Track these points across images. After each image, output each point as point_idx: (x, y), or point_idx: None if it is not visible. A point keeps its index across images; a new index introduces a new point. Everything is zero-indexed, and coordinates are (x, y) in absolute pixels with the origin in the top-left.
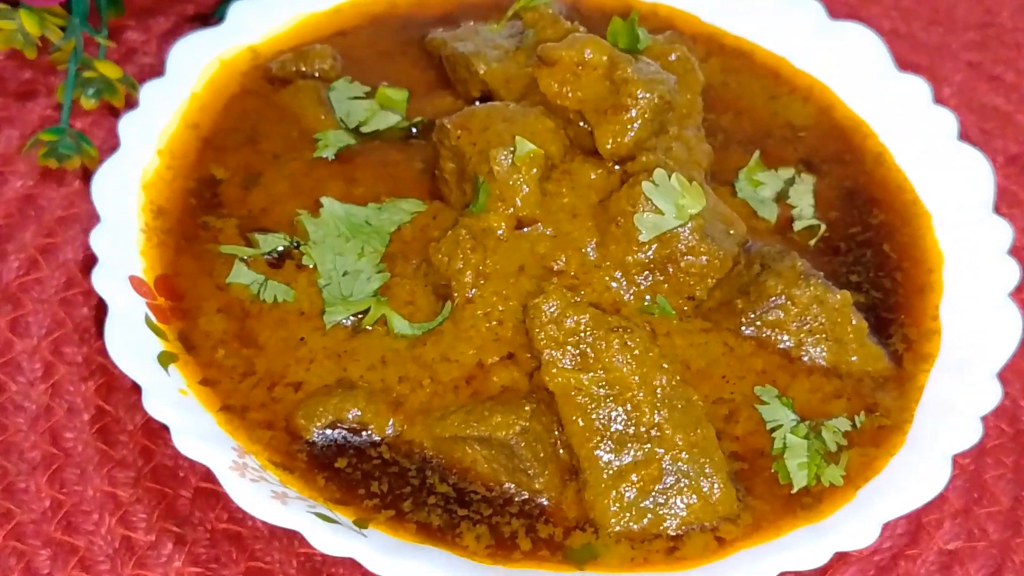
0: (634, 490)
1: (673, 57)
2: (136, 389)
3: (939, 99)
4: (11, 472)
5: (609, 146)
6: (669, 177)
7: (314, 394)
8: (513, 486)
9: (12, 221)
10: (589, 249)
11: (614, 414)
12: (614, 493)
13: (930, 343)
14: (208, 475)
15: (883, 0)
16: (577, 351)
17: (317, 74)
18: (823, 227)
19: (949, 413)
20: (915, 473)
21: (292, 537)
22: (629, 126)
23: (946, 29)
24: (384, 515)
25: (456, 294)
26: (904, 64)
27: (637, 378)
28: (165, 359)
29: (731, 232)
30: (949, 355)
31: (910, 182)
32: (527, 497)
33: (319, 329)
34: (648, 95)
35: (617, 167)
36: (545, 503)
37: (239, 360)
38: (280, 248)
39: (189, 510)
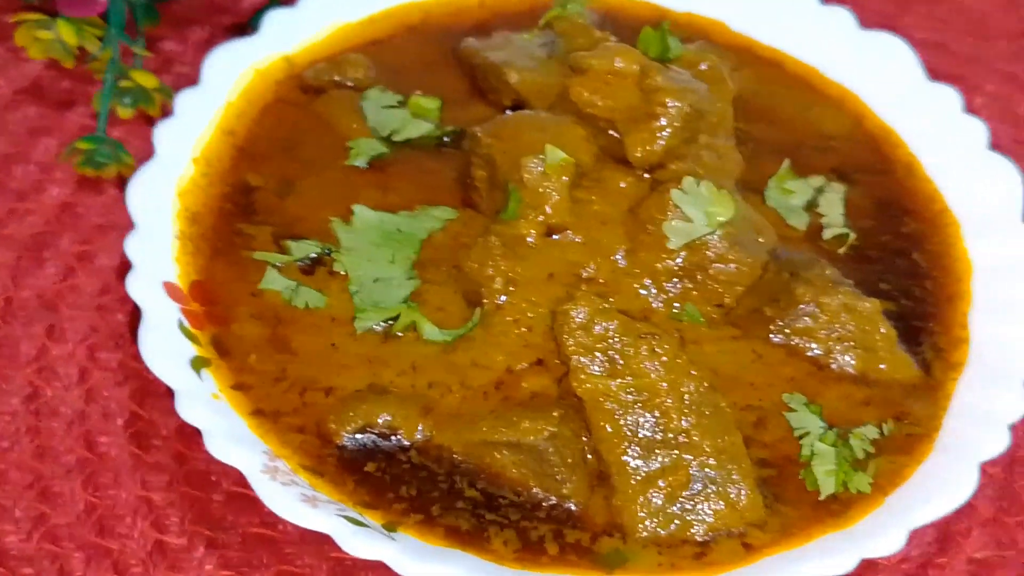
0: (662, 496)
1: (704, 66)
2: (170, 394)
3: (972, 109)
4: (46, 475)
5: (639, 154)
6: (698, 185)
7: (345, 399)
8: (541, 491)
9: (50, 228)
10: (619, 256)
11: (642, 420)
12: (642, 499)
13: (959, 351)
14: (240, 480)
15: (916, 10)
16: (606, 357)
17: (351, 83)
18: (852, 235)
19: (978, 421)
20: (943, 481)
21: (323, 541)
22: (659, 134)
23: (979, 39)
24: (413, 519)
25: (486, 300)
26: (937, 74)
27: (665, 384)
28: (198, 364)
29: (761, 240)
30: (978, 364)
31: (940, 192)
32: (555, 502)
33: (351, 335)
34: (678, 104)
35: (647, 175)
36: (573, 508)
37: (271, 365)
38: (312, 255)
39: (221, 514)
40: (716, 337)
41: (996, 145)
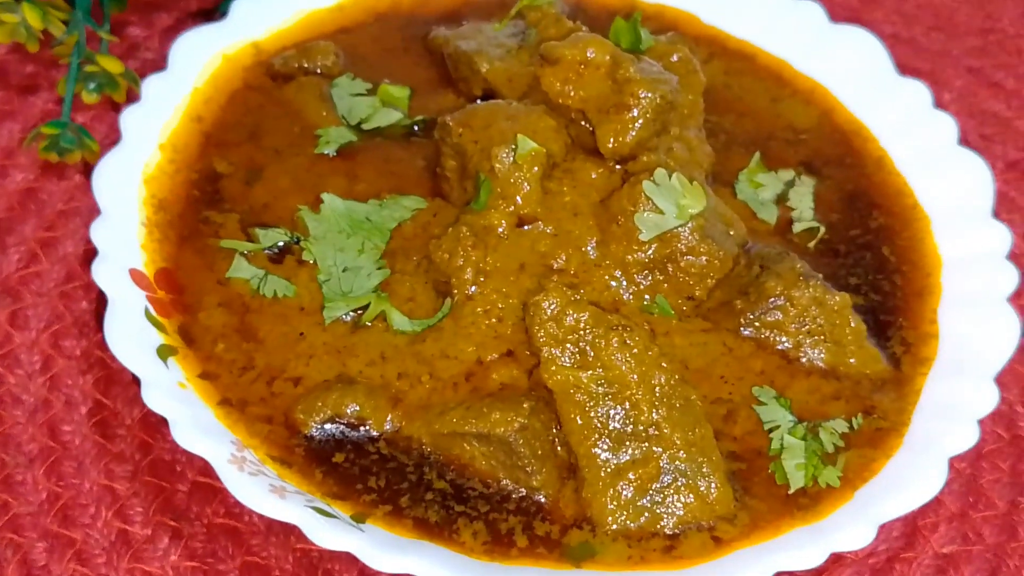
0: (632, 488)
1: (675, 58)
2: (135, 383)
3: (940, 104)
4: (9, 464)
5: (611, 145)
6: (670, 177)
7: (313, 389)
8: (511, 483)
9: (13, 214)
10: (590, 248)
11: (613, 412)
12: (612, 491)
13: (928, 346)
14: (205, 469)
15: (885, 5)
16: (576, 349)
17: (319, 70)
18: (822, 229)
19: (946, 416)
20: (912, 475)
21: (289, 532)
22: (631, 125)
23: (947, 35)
24: (381, 510)
25: (456, 291)
26: (905, 69)
27: (636, 376)
28: (164, 352)
29: (731, 233)
30: (947, 358)
31: (910, 186)
32: (525, 494)
33: (319, 324)
34: (650, 95)
35: (618, 166)
36: (543, 500)
37: (239, 354)
38: (281, 243)
39: (186, 504)
40: (686, 330)
41: (964, 140)
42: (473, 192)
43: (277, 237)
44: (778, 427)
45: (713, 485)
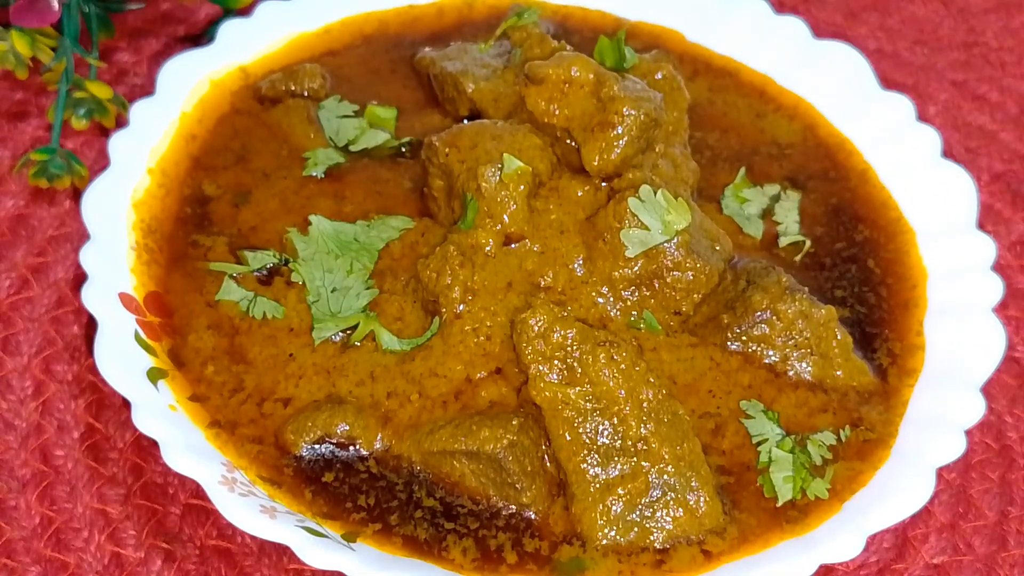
0: (621, 503)
1: (660, 75)
2: (126, 406)
3: (924, 118)
4: (1, 489)
5: (596, 163)
6: (655, 193)
7: (303, 409)
8: (500, 500)
9: (3, 240)
10: (576, 265)
11: (601, 428)
12: (601, 506)
13: (914, 358)
14: (197, 492)
15: (869, 20)
16: (564, 365)
17: (307, 93)
18: (808, 243)
19: (934, 427)
20: (900, 486)
21: (281, 553)
22: (616, 143)
23: (931, 49)
24: (371, 529)
25: (444, 310)
26: (889, 83)
27: (623, 392)
28: (155, 375)
29: (717, 248)
30: (933, 369)
31: (894, 199)
32: (514, 511)
33: (308, 345)
34: (634, 112)
35: (604, 184)
36: (532, 517)
37: (229, 376)
38: (269, 265)
39: (179, 527)
40: (674, 345)
41: (949, 153)
42: (460, 211)
43: (266, 259)
44: (766, 440)
45: (702, 499)
